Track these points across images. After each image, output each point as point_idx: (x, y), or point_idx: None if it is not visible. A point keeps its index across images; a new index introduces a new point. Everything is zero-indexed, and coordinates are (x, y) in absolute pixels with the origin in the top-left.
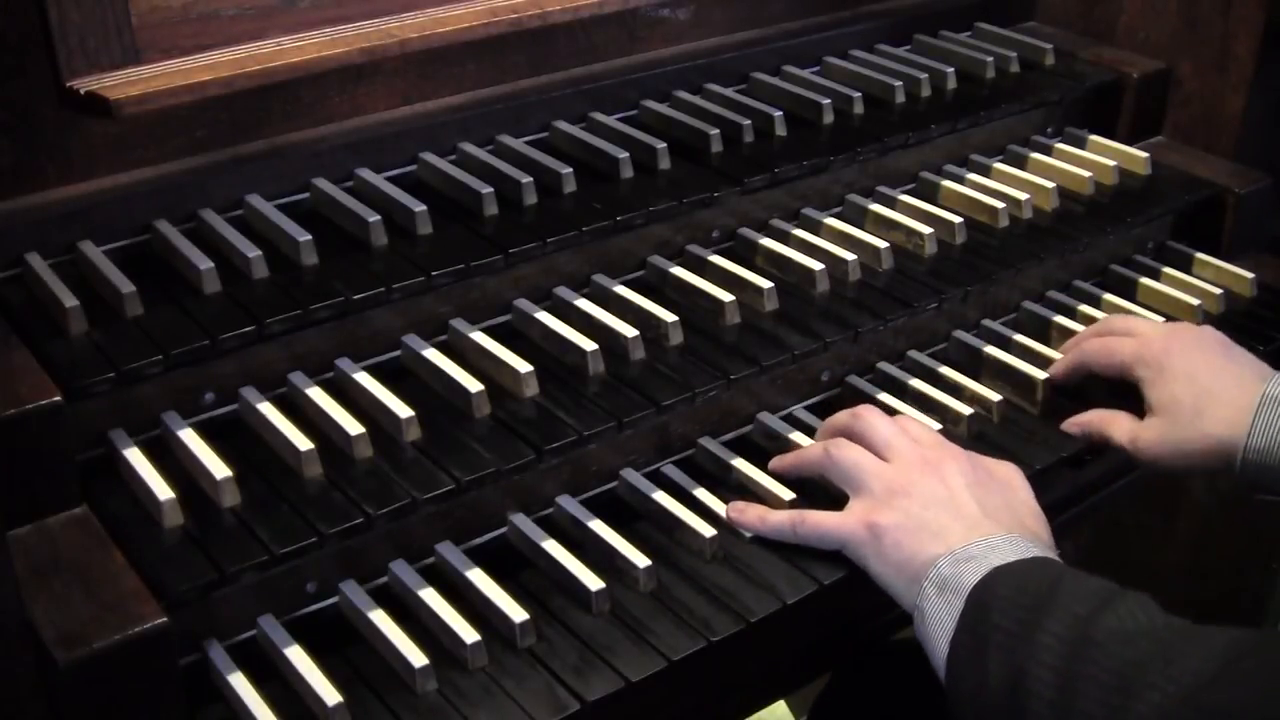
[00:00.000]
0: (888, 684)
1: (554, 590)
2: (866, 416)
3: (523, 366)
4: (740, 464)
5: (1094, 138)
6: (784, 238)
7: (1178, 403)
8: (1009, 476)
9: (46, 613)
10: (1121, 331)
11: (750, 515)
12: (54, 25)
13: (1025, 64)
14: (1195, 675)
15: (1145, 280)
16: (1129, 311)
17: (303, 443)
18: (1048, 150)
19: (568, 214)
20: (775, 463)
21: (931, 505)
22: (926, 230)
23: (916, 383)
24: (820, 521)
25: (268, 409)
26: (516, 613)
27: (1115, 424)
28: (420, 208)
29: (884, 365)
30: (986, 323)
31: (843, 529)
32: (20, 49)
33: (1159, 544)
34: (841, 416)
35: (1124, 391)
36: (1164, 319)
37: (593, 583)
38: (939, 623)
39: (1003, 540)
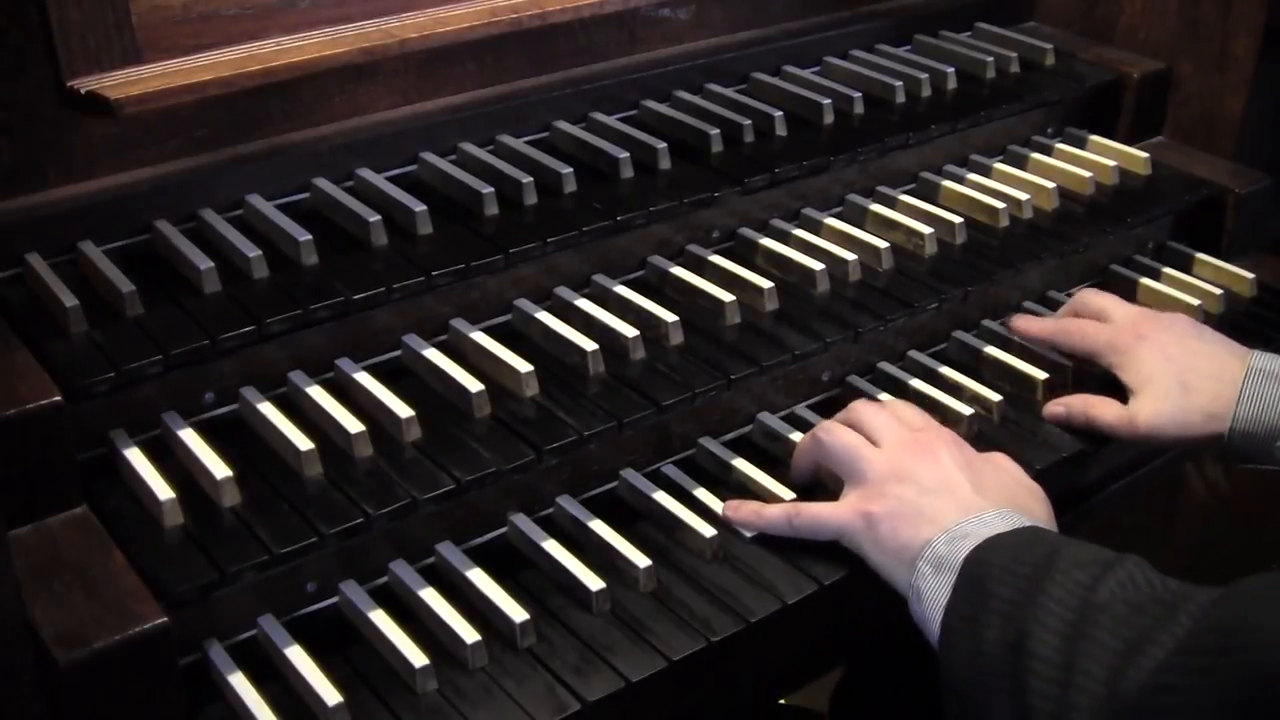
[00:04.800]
0: (907, 675)
1: (554, 590)
2: (857, 407)
3: (523, 366)
4: (740, 464)
5: (1094, 138)
6: (784, 238)
7: (1158, 379)
8: (999, 459)
9: (46, 613)
10: (1095, 313)
11: (745, 511)
12: (54, 25)
13: (1025, 64)
14: (1195, 619)
15: (1145, 280)
16: None
17: (303, 442)
18: (1048, 150)
19: (568, 214)
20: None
21: (925, 490)
22: (927, 230)
23: (916, 383)
24: (816, 513)
25: (268, 409)
26: (516, 613)
27: (1101, 405)
28: (420, 208)
29: (884, 365)
30: (986, 323)
31: (838, 518)
32: (21, 49)
33: (1159, 544)
34: (837, 415)
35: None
36: None
37: (593, 583)
38: (934, 598)
39: (995, 515)
